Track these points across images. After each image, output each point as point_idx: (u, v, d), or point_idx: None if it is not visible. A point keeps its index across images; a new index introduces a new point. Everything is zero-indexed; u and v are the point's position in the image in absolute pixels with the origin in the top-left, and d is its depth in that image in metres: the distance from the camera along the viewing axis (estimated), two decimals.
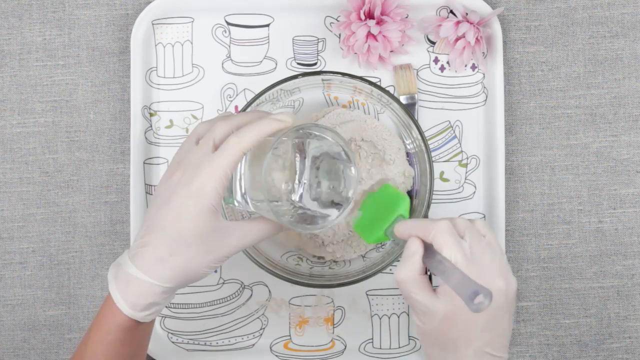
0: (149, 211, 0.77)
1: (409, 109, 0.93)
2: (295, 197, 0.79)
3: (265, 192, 0.77)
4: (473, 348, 0.73)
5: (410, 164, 0.93)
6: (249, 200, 0.79)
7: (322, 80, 0.89)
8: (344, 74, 0.87)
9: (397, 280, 0.75)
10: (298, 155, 0.80)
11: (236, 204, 0.80)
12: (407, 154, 0.93)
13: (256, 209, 0.79)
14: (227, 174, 0.75)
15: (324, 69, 0.96)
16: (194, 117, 0.96)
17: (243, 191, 0.79)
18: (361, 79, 0.87)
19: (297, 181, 0.80)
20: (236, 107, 0.95)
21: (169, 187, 0.76)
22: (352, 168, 0.80)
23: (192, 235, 0.75)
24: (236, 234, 0.77)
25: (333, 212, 0.80)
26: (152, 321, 0.80)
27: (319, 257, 0.94)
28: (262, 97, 0.87)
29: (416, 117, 0.94)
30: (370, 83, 0.87)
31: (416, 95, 0.95)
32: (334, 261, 0.93)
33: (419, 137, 0.88)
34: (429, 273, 0.76)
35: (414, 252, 0.75)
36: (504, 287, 0.73)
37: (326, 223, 0.80)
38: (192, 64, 0.96)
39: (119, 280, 0.76)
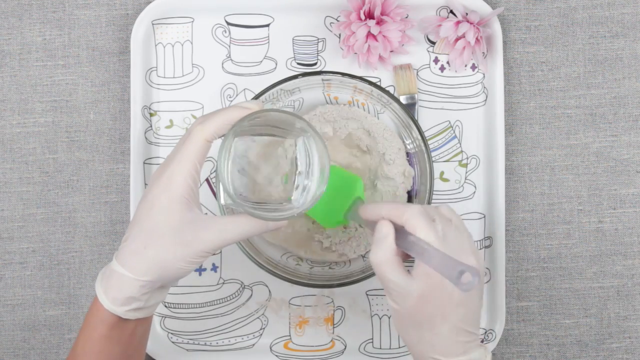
0: (137, 205, 0.77)
1: (409, 109, 0.93)
2: (294, 197, 0.78)
3: (251, 194, 0.76)
4: (449, 324, 0.73)
5: (410, 164, 0.93)
6: (233, 199, 0.76)
7: (322, 80, 0.89)
8: (344, 74, 0.87)
9: (373, 263, 0.75)
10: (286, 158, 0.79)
11: (222, 202, 0.79)
12: (407, 154, 0.93)
13: (237, 207, 0.77)
14: (193, 163, 0.74)
15: (324, 69, 0.96)
16: (194, 117, 0.96)
17: (231, 190, 0.76)
18: (361, 79, 0.87)
19: (295, 183, 0.78)
20: None
21: (151, 184, 0.76)
22: (317, 144, 0.77)
23: (165, 226, 0.74)
24: (214, 228, 0.75)
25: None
26: (145, 323, 0.80)
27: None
28: (262, 97, 0.87)
29: (416, 117, 0.94)
30: (370, 83, 0.87)
31: (416, 95, 0.95)
32: (334, 261, 0.93)
33: (419, 137, 0.88)
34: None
35: (386, 234, 0.74)
36: (477, 265, 0.74)
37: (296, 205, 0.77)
38: (192, 64, 0.96)
39: (103, 276, 0.77)
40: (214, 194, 0.95)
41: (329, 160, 0.76)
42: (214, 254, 0.84)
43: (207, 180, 0.95)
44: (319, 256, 0.93)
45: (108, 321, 0.77)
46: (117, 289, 0.75)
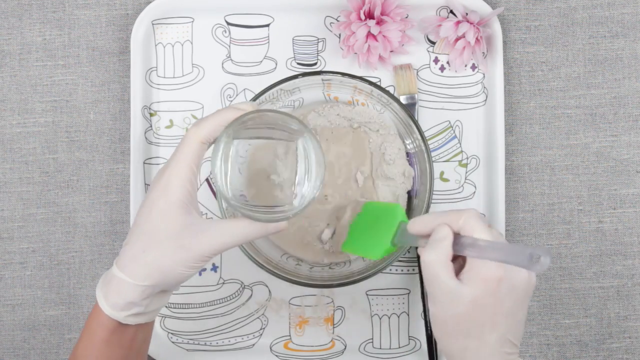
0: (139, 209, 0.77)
1: (409, 109, 0.93)
2: (296, 202, 0.76)
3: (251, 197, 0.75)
4: (497, 333, 0.73)
5: (410, 164, 0.93)
6: (233, 202, 0.76)
7: (322, 80, 0.89)
8: (344, 74, 0.87)
9: (426, 263, 0.73)
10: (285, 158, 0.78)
11: (223, 205, 0.78)
12: (407, 154, 0.93)
13: (235, 210, 0.76)
14: (190, 166, 0.74)
15: (323, 69, 0.96)
16: (194, 117, 0.96)
17: (228, 193, 0.75)
18: (361, 79, 0.87)
19: (295, 185, 0.77)
20: None
21: (151, 187, 0.76)
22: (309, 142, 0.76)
23: (163, 231, 0.74)
24: (213, 232, 0.74)
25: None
26: (146, 328, 0.79)
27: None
28: (262, 97, 0.87)
29: (416, 117, 0.94)
30: (370, 83, 0.87)
31: (416, 95, 0.95)
32: (334, 262, 0.93)
33: (419, 137, 0.88)
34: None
35: (444, 237, 0.74)
36: (527, 276, 0.73)
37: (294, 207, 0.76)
38: (192, 64, 0.96)
39: (104, 281, 0.76)
40: (214, 194, 0.95)
41: (325, 161, 0.76)
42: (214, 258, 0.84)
43: (207, 180, 0.95)
44: (320, 258, 0.93)
45: (108, 326, 0.76)
46: (117, 294, 0.75)
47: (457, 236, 0.74)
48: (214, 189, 0.95)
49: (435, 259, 0.73)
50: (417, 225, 0.77)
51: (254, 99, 0.87)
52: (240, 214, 0.75)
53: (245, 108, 0.75)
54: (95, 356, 0.77)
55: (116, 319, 0.76)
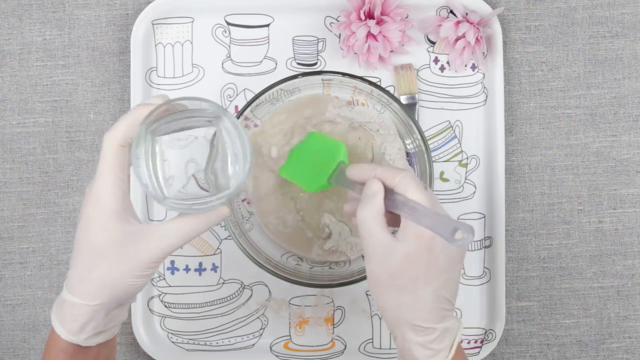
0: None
1: (410, 109, 0.93)
2: (231, 185, 0.73)
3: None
4: (432, 288, 0.72)
5: (410, 164, 0.93)
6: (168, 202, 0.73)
7: (322, 80, 0.89)
8: (344, 74, 0.87)
9: (360, 219, 0.73)
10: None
11: (168, 204, 0.74)
12: (407, 154, 0.93)
13: (170, 208, 0.73)
14: (115, 173, 0.71)
15: (323, 69, 0.96)
16: None
17: (159, 192, 0.72)
18: (361, 79, 0.87)
19: (229, 169, 0.74)
20: (236, 107, 0.95)
21: (83, 204, 0.73)
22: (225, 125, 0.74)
23: (104, 245, 0.71)
24: (155, 236, 0.71)
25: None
26: (108, 345, 0.77)
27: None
28: (262, 97, 0.87)
29: (417, 117, 0.94)
30: (370, 83, 0.87)
31: (417, 95, 0.95)
32: (334, 262, 0.93)
33: (419, 137, 0.88)
34: None
35: (375, 192, 0.73)
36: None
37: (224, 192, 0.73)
38: (192, 64, 0.96)
39: (57, 305, 0.74)
40: None
41: (248, 138, 0.73)
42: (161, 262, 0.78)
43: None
44: (321, 257, 0.93)
45: (68, 350, 0.74)
46: (71, 318, 0.73)
47: (390, 192, 0.73)
48: None
49: (368, 214, 0.73)
50: (354, 171, 0.77)
51: (254, 99, 0.87)
52: (179, 213, 0.72)
53: (156, 102, 0.73)
54: None
55: (76, 343, 0.73)
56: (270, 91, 0.87)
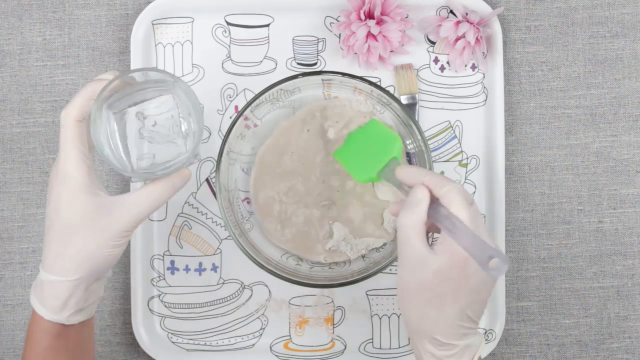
0: (45, 214, 0.77)
1: (410, 109, 0.93)
2: (189, 146, 0.77)
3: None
4: (458, 307, 0.72)
5: (410, 164, 0.93)
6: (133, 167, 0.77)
7: (322, 80, 0.89)
8: (344, 74, 0.87)
9: (400, 224, 0.74)
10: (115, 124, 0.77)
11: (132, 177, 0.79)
12: (407, 154, 0.93)
13: (137, 178, 0.78)
14: (77, 147, 0.74)
15: (323, 69, 0.96)
16: None
17: (128, 167, 0.77)
18: (361, 79, 0.87)
19: (184, 132, 0.78)
20: (236, 107, 0.95)
21: (50, 185, 0.76)
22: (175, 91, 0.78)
23: (77, 220, 0.74)
24: (124, 205, 0.75)
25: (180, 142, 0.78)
26: (88, 325, 0.79)
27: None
28: (262, 97, 0.87)
29: (417, 117, 0.94)
30: (370, 83, 0.87)
31: (417, 95, 0.95)
32: (334, 262, 0.93)
33: (419, 137, 0.88)
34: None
35: (420, 200, 0.74)
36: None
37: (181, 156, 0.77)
38: (192, 64, 0.96)
39: (36, 289, 0.76)
40: (214, 194, 0.95)
41: (196, 98, 0.77)
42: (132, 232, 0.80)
43: (207, 180, 0.95)
44: (322, 258, 0.93)
45: (51, 331, 0.76)
46: (52, 297, 0.74)
47: (435, 202, 0.73)
48: (214, 189, 0.95)
49: (409, 222, 0.73)
50: (404, 173, 0.77)
51: (254, 99, 0.87)
52: (145, 181, 0.76)
53: (106, 77, 0.76)
54: None
55: (58, 322, 0.75)
56: (270, 91, 0.87)
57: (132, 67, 0.94)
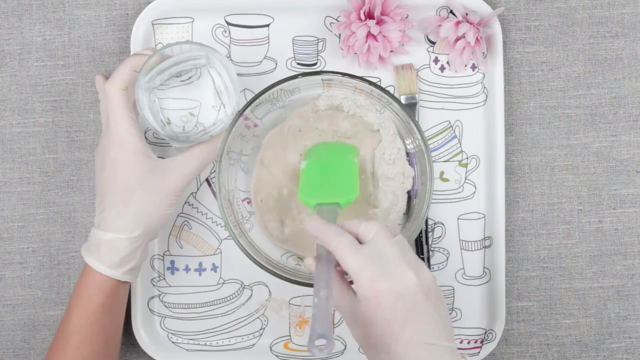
0: (96, 184, 0.83)
1: (410, 109, 0.93)
2: (229, 111, 0.87)
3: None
4: (402, 341, 0.70)
5: (410, 164, 0.93)
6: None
7: (322, 80, 0.89)
8: (343, 74, 0.87)
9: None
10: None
11: (175, 144, 0.89)
12: (407, 154, 0.93)
13: (181, 143, 0.87)
14: (127, 115, 0.81)
15: (323, 69, 0.96)
16: (192, 114, 0.95)
17: (164, 131, 0.85)
18: (361, 78, 0.87)
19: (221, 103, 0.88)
20: None
21: (104, 154, 0.82)
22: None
23: (134, 182, 0.80)
24: (176, 166, 0.83)
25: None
26: (128, 288, 0.85)
27: None
28: (262, 97, 0.87)
29: (417, 117, 0.94)
30: (370, 83, 0.87)
31: (417, 95, 0.95)
32: None
33: (419, 137, 0.88)
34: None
35: (308, 265, 0.76)
36: (415, 279, 0.71)
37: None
38: None
39: (91, 249, 0.82)
40: (214, 194, 0.95)
41: (233, 68, 0.86)
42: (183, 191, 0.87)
43: (206, 180, 0.95)
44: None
45: (106, 289, 0.81)
46: (110, 253, 0.80)
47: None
48: (214, 189, 0.95)
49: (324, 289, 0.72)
50: (311, 225, 0.76)
51: (254, 99, 0.87)
52: (187, 146, 0.86)
53: (147, 52, 0.84)
54: (90, 323, 0.82)
55: (115, 278, 0.81)
56: (270, 91, 0.87)
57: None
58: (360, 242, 0.74)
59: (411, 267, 0.72)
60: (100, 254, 0.81)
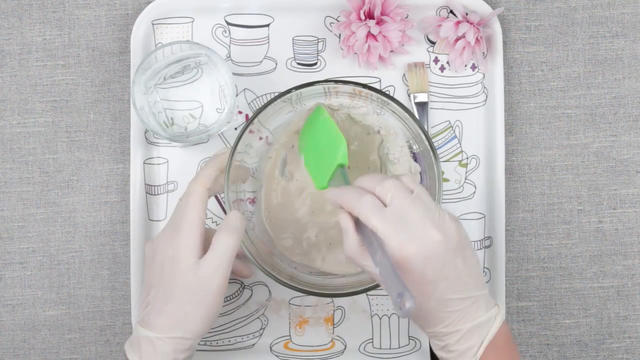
0: (145, 274, 0.81)
1: (422, 107, 0.93)
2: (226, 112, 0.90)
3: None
4: (434, 299, 0.73)
5: (415, 161, 0.92)
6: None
7: (324, 88, 0.87)
8: (346, 82, 0.84)
9: (347, 257, 0.76)
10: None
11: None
12: (413, 154, 0.93)
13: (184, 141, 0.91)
14: (197, 211, 0.79)
15: (325, 71, 0.95)
16: (192, 116, 0.95)
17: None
18: (365, 86, 0.85)
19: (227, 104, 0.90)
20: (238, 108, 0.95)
21: (155, 246, 0.80)
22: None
23: (184, 286, 0.78)
24: (213, 263, 0.78)
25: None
26: None
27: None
28: (268, 109, 0.86)
29: (427, 117, 0.94)
30: (377, 90, 0.84)
31: (427, 94, 0.95)
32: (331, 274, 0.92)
33: (424, 137, 0.85)
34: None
35: (345, 229, 0.75)
36: (441, 238, 0.72)
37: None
38: None
39: (134, 347, 0.79)
40: (223, 209, 0.95)
41: (229, 69, 0.88)
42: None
43: (216, 197, 0.95)
44: (341, 270, 0.92)
45: None
46: (150, 353, 0.78)
47: (362, 223, 0.74)
48: (223, 204, 0.95)
49: (350, 252, 0.75)
50: (331, 198, 0.77)
51: (260, 111, 0.86)
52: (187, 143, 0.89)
53: (225, 151, 0.85)
54: None
55: None
56: (275, 102, 0.86)
57: (132, 67, 0.94)
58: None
59: (434, 224, 0.72)
60: (142, 352, 0.78)
